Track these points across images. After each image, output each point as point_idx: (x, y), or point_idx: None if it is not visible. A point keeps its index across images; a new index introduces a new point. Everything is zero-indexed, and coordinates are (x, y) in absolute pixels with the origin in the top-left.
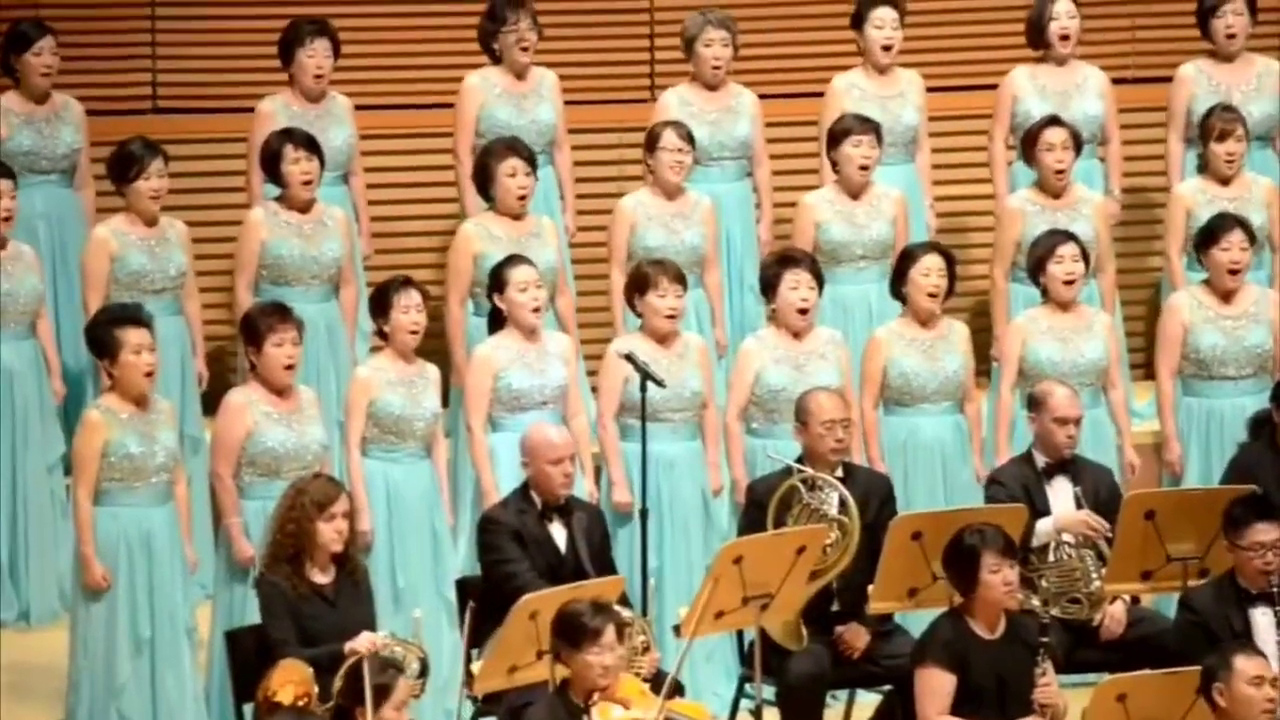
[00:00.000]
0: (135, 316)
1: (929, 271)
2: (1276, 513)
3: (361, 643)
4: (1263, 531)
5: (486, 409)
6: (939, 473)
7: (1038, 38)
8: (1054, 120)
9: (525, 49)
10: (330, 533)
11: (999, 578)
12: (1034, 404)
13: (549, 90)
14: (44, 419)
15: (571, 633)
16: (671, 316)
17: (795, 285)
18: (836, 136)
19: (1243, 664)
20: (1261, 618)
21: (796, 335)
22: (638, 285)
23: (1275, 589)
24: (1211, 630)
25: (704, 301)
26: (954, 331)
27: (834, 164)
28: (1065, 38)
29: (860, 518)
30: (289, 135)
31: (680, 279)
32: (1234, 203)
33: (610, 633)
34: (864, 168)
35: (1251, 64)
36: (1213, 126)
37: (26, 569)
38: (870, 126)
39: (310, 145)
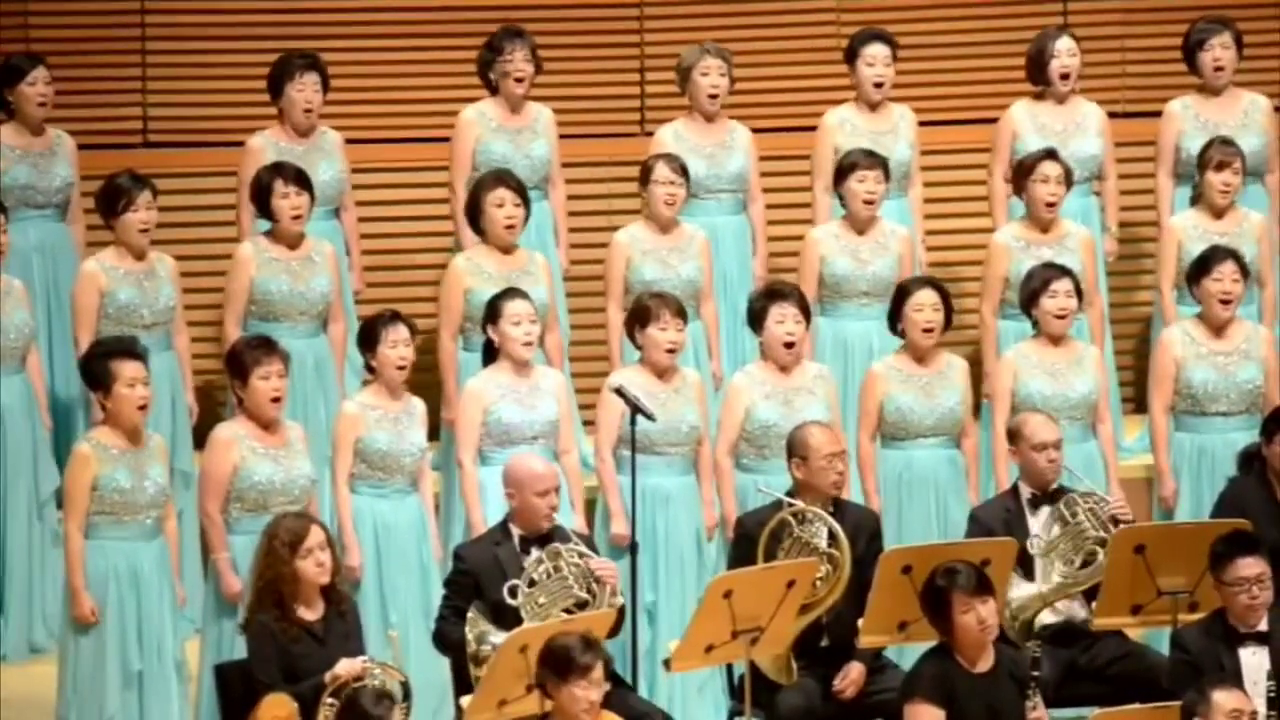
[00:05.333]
0: (130, 350)
1: (922, 307)
2: (1260, 547)
3: (343, 668)
4: (1246, 566)
5: (477, 443)
6: (933, 507)
7: (1038, 74)
8: (1051, 154)
9: (520, 81)
10: (311, 568)
11: (971, 617)
12: (1013, 436)
13: (544, 126)
14: (37, 453)
15: (560, 666)
16: (672, 350)
17: (781, 319)
18: (843, 171)
19: (1221, 698)
20: (1251, 658)
21: (784, 369)
22: (639, 318)
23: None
24: (1201, 669)
25: (701, 334)
26: (952, 367)
27: (840, 198)
28: (1066, 76)
29: (850, 551)
30: (279, 170)
31: (681, 313)
32: (1225, 237)
33: (598, 669)
34: (869, 202)
35: (1239, 99)
36: (1210, 158)
37: (8, 605)
38: (876, 161)
39: (300, 180)
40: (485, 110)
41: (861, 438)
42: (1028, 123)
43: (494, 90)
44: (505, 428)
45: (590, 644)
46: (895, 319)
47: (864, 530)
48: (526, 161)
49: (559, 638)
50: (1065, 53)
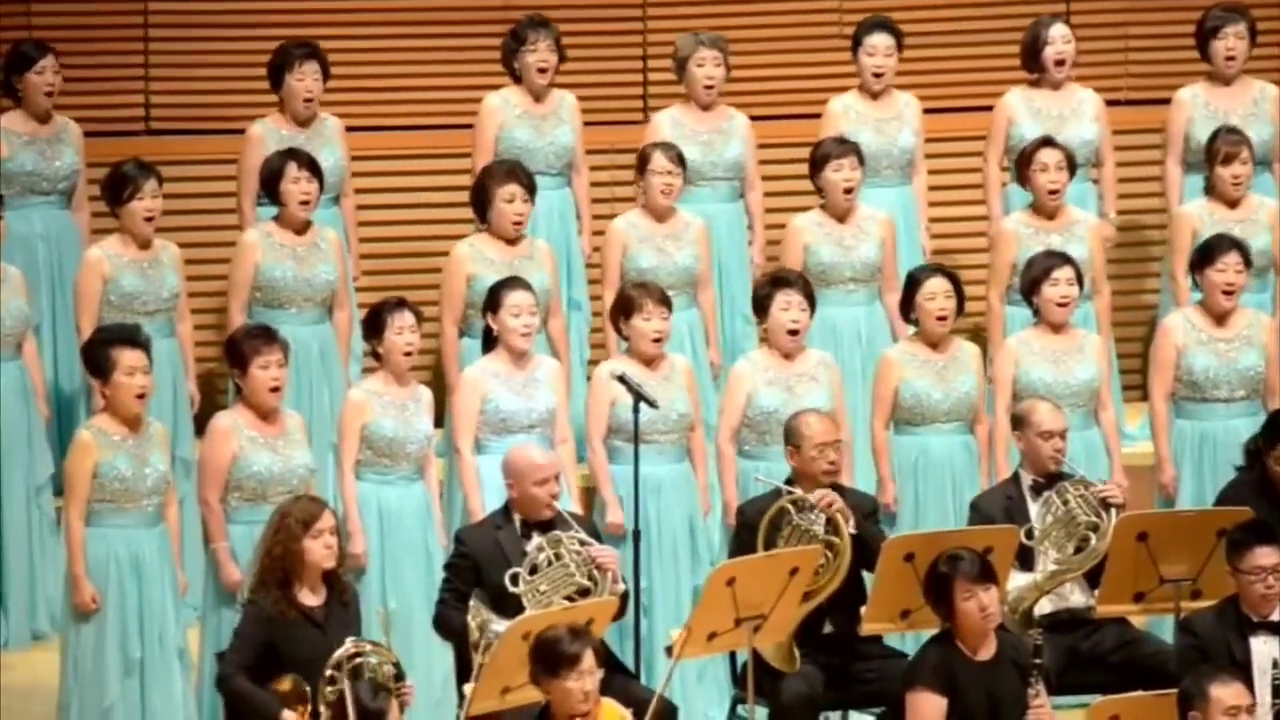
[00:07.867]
0: (132, 338)
1: (934, 295)
2: (1277, 537)
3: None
4: (1264, 556)
5: (474, 431)
6: (949, 493)
7: (1032, 62)
8: (1048, 141)
9: (543, 71)
10: (320, 550)
11: (973, 604)
12: (1018, 422)
13: (568, 113)
14: (32, 440)
15: (549, 660)
16: (657, 339)
17: (786, 306)
18: (818, 162)
19: (1218, 692)
20: (1262, 646)
21: (787, 356)
22: (623, 308)
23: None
24: (1210, 655)
25: (698, 322)
26: (965, 352)
27: (818, 189)
28: (1060, 63)
29: (849, 538)
30: (293, 154)
31: (665, 301)
32: (1240, 225)
33: (589, 658)
34: (848, 191)
35: (1249, 87)
36: (1218, 150)
37: (8, 592)
38: (850, 148)
39: (312, 167)
40: (509, 97)
41: (876, 424)
42: (1023, 109)
43: (517, 78)
44: (502, 416)
45: (578, 634)
46: (908, 308)
47: (861, 513)
48: (551, 148)
49: (546, 632)
50: (1059, 40)
